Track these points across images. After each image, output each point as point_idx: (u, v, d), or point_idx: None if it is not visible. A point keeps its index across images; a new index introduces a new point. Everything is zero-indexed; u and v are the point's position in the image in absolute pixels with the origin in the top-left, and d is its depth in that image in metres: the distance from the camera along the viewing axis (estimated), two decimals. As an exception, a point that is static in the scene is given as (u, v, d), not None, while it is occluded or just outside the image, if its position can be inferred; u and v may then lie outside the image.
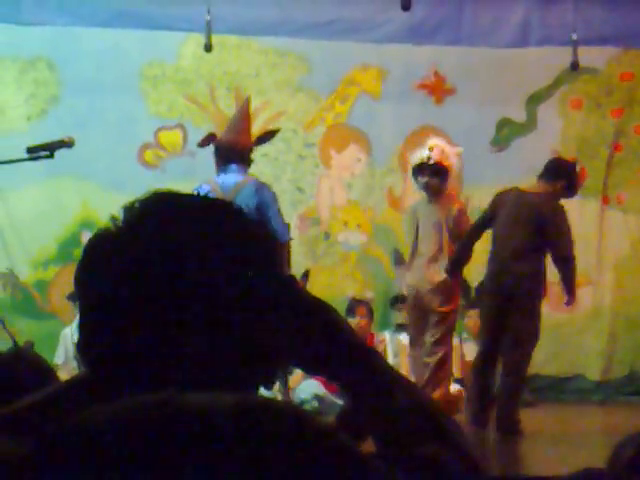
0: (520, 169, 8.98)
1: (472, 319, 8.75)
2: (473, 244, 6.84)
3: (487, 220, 6.80)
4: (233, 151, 6.64)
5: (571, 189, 6.80)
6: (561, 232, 6.55)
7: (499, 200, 6.80)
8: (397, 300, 8.79)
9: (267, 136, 7.06)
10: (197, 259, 1.22)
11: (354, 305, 8.15)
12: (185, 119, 9.13)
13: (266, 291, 1.26)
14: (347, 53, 9.17)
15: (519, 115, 9.30)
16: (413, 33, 9.14)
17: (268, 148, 9.18)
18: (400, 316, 8.73)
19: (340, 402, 6.93)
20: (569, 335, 8.99)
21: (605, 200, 9.24)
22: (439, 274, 6.82)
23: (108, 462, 1.04)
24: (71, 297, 8.06)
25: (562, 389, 8.88)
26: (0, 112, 8.91)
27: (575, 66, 8.44)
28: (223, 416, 1.07)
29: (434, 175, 6.86)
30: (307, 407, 6.84)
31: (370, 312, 8.24)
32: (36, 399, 1.23)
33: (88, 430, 1.07)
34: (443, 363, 6.81)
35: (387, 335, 8.60)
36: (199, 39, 8.37)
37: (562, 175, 6.71)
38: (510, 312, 6.50)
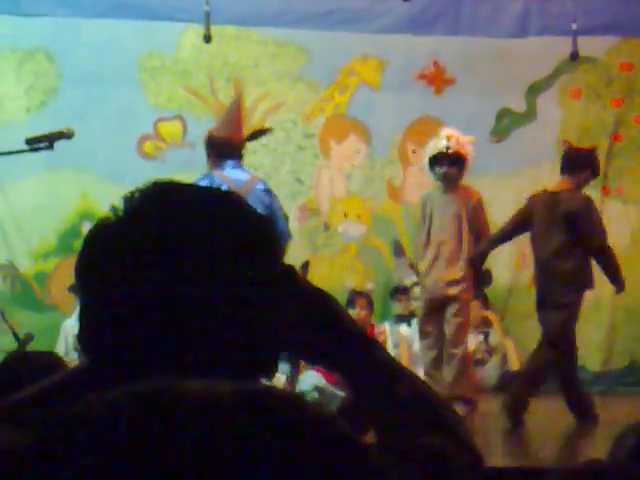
0: (520, 159, 9.00)
1: (472, 310, 8.74)
2: (501, 244, 6.91)
3: (520, 224, 6.82)
4: (228, 147, 6.66)
5: (595, 173, 6.83)
6: (592, 224, 6.57)
7: (531, 204, 6.82)
8: (397, 291, 8.79)
9: (260, 133, 7.07)
10: (197, 249, 1.21)
11: (354, 296, 8.16)
12: (184, 110, 9.12)
13: (267, 281, 1.26)
14: (346, 44, 9.15)
15: (519, 105, 9.29)
16: (413, 23, 9.13)
17: (267, 139, 9.16)
18: (400, 307, 8.74)
19: (340, 393, 6.94)
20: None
21: (605, 190, 9.23)
22: (461, 266, 6.83)
23: (108, 450, 1.04)
24: (72, 289, 8.06)
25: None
26: (-1, 104, 8.90)
27: (575, 56, 8.43)
28: (222, 403, 1.07)
29: (452, 165, 6.87)
30: (307, 398, 6.84)
31: (370, 303, 8.24)
32: (37, 389, 1.23)
33: (87, 418, 1.07)
34: (467, 355, 6.91)
35: (387, 326, 8.60)
36: (198, 30, 8.36)
37: (585, 165, 6.73)
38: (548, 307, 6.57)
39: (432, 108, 9.22)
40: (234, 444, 1.04)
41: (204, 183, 6.41)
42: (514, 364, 8.54)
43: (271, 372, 1.30)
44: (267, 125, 9.11)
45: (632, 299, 9.11)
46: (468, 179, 9.15)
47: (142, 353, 1.20)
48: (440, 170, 6.89)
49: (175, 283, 1.20)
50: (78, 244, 7.06)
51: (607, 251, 6.62)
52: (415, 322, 8.11)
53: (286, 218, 6.79)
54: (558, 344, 6.57)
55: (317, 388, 7.22)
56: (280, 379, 6.97)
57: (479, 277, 7.13)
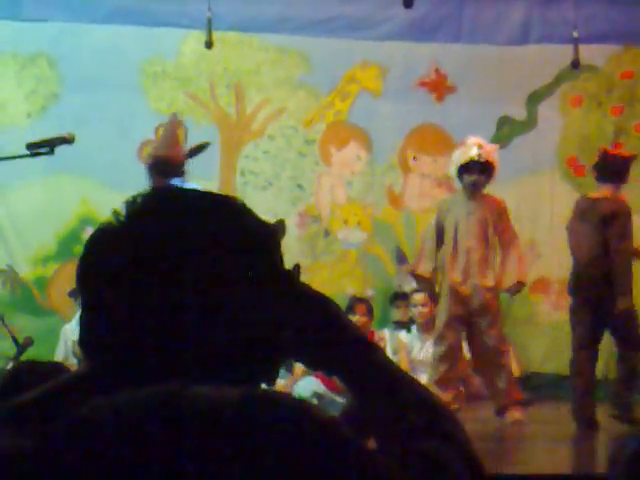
0: (520, 167, 8.99)
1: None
2: None
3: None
4: (170, 165, 6.66)
5: (628, 174, 6.88)
6: (621, 234, 6.60)
7: (574, 210, 6.88)
8: (397, 297, 8.79)
9: (199, 149, 7.08)
10: (198, 254, 1.22)
11: (354, 303, 8.14)
12: (185, 116, 9.12)
13: (267, 286, 1.26)
14: (348, 50, 9.16)
15: (520, 113, 9.29)
16: (414, 30, 9.14)
17: (268, 145, 9.19)
18: (399, 313, 8.73)
19: (339, 400, 6.93)
20: (568, 333, 8.95)
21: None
22: (491, 273, 6.87)
23: (114, 454, 1.04)
24: (72, 293, 8.06)
25: (561, 387, 8.84)
26: (0, 108, 8.90)
27: (576, 64, 8.43)
28: (228, 409, 1.07)
29: (482, 173, 6.91)
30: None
31: (370, 310, 8.23)
32: (38, 393, 1.23)
33: (92, 423, 1.07)
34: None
35: (387, 333, 8.60)
36: (200, 36, 8.37)
37: (619, 172, 6.75)
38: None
39: (433, 115, 9.23)
40: (240, 449, 1.04)
41: None
42: (514, 371, 8.53)
43: (272, 377, 1.30)
44: (268, 131, 9.14)
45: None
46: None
47: (143, 357, 1.20)
48: (470, 178, 6.92)
49: (176, 287, 1.20)
50: (78, 249, 7.05)
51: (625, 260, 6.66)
52: (415, 329, 8.12)
53: None
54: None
55: (316, 394, 7.21)
56: (279, 383, 6.97)
57: None
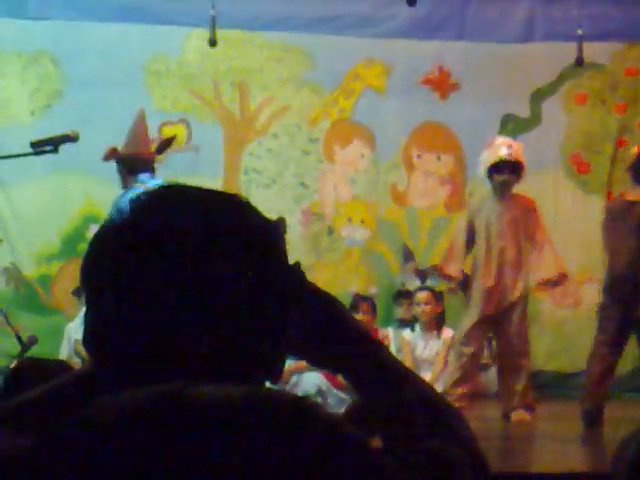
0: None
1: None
2: None
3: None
4: (138, 162, 6.75)
5: None
6: None
7: (607, 212, 6.88)
8: (400, 295, 8.78)
9: (165, 144, 7.12)
10: (203, 251, 1.21)
11: (357, 301, 8.14)
12: (189, 114, 9.13)
13: (272, 283, 1.26)
14: (351, 48, 9.15)
15: (523, 111, 9.29)
16: (418, 28, 9.13)
17: (272, 143, 9.19)
18: (402, 311, 8.73)
19: (344, 396, 6.93)
20: (573, 331, 8.97)
21: (609, 196, 9.22)
22: (523, 272, 6.90)
23: (121, 452, 1.04)
24: (76, 292, 8.07)
25: (566, 385, 8.84)
26: (4, 107, 8.90)
27: (580, 61, 8.41)
28: (234, 407, 1.07)
29: (512, 172, 6.92)
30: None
31: (373, 308, 8.23)
32: (41, 392, 1.23)
33: (96, 422, 1.07)
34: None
35: (390, 331, 8.59)
36: (203, 34, 8.36)
37: None
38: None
39: (437, 113, 9.22)
40: (245, 447, 1.04)
41: (125, 198, 6.58)
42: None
43: (277, 375, 1.30)
44: (272, 129, 9.14)
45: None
46: (472, 183, 9.17)
47: (147, 355, 1.19)
48: (500, 178, 6.93)
49: (181, 284, 1.20)
50: (82, 247, 7.02)
51: None
52: (418, 327, 8.12)
53: None
54: None
55: (320, 390, 7.21)
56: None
57: None
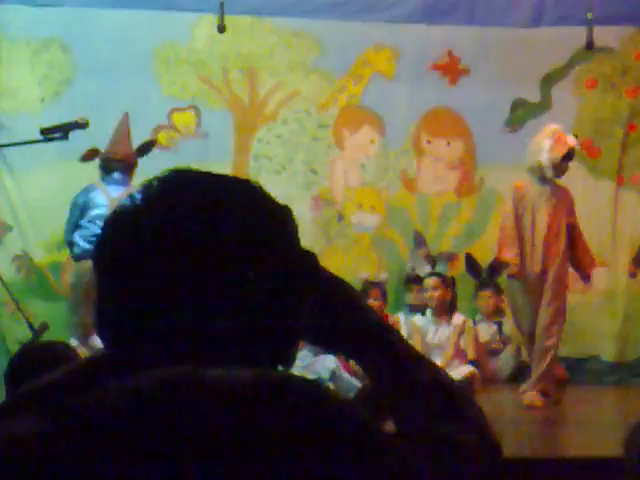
0: (535, 149, 8.95)
1: (484, 299, 8.74)
2: None
3: None
4: (114, 161, 7.09)
5: None
6: None
7: None
8: (410, 281, 8.78)
9: (147, 147, 7.29)
10: (215, 236, 1.21)
11: (368, 287, 8.15)
12: (198, 100, 9.12)
13: (285, 268, 1.26)
14: (361, 33, 9.13)
15: (533, 95, 9.26)
16: (427, 13, 9.10)
17: (281, 129, 9.18)
18: (413, 297, 8.73)
19: (356, 382, 6.93)
20: (584, 317, 8.95)
21: (620, 180, 9.20)
22: (565, 260, 6.99)
23: (131, 435, 1.05)
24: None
25: (577, 371, 8.84)
26: (14, 94, 8.90)
27: (590, 46, 8.39)
28: (243, 390, 1.07)
29: (571, 161, 7.06)
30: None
31: (384, 294, 8.24)
32: (56, 377, 1.23)
33: (107, 406, 1.07)
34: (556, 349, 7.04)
35: (401, 316, 8.60)
36: (212, 20, 8.36)
37: None
38: None
39: (447, 98, 9.20)
40: (254, 429, 1.04)
41: (84, 193, 7.19)
42: (524, 356, 8.53)
43: (290, 360, 1.30)
44: (282, 116, 9.13)
45: (647, 289, 9.10)
46: (482, 169, 9.16)
47: (159, 339, 1.19)
48: (566, 166, 7.00)
49: (193, 270, 1.20)
50: (93, 234, 6.90)
51: None
52: (429, 312, 8.11)
53: None
54: None
55: (334, 374, 7.20)
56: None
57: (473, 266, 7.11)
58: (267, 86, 9.19)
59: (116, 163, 7.03)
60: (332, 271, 1.39)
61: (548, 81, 9.25)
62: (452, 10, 9.14)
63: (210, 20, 8.55)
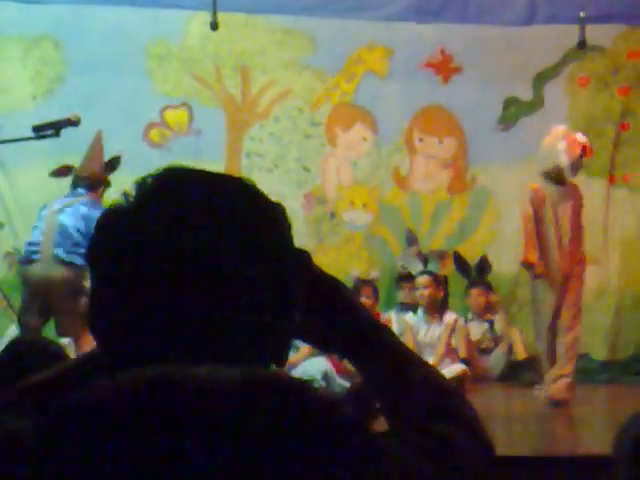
0: (526, 147, 8.95)
1: (474, 297, 8.75)
2: None
3: None
4: (80, 177, 7.15)
5: None
6: None
7: None
8: (402, 279, 8.78)
9: (113, 163, 7.37)
10: (209, 235, 1.21)
11: (359, 285, 8.14)
12: (191, 98, 9.11)
13: (278, 266, 1.25)
14: (353, 31, 9.13)
15: (526, 93, 9.26)
16: (420, 11, 9.10)
17: (274, 127, 9.18)
18: (404, 295, 8.73)
19: (347, 384, 6.92)
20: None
21: (611, 179, 9.22)
22: (582, 256, 7.11)
23: (116, 434, 1.05)
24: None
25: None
26: (6, 91, 8.88)
27: (582, 44, 8.39)
28: (227, 389, 1.07)
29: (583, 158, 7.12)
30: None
31: (375, 292, 8.23)
32: (47, 376, 1.23)
33: (93, 403, 1.07)
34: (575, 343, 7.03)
35: (393, 315, 8.60)
36: (205, 17, 8.34)
37: None
38: None
39: (439, 96, 9.21)
40: (241, 427, 1.04)
41: (44, 209, 7.09)
42: (520, 354, 8.54)
43: (282, 359, 1.30)
44: (274, 113, 9.12)
45: (638, 288, 9.11)
46: (474, 167, 9.16)
47: (151, 338, 1.19)
48: (582, 164, 7.10)
49: (186, 268, 1.19)
50: (85, 231, 6.85)
51: None
52: (421, 311, 8.12)
53: None
54: None
55: (325, 375, 7.19)
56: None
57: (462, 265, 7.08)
58: (259, 84, 9.19)
59: (82, 180, 7.14)
60: (324, 269, 1.39)
61: (540, 79, 9.26)
62: (445, 8, 9.15)
63: (203, 17, 8.54)
